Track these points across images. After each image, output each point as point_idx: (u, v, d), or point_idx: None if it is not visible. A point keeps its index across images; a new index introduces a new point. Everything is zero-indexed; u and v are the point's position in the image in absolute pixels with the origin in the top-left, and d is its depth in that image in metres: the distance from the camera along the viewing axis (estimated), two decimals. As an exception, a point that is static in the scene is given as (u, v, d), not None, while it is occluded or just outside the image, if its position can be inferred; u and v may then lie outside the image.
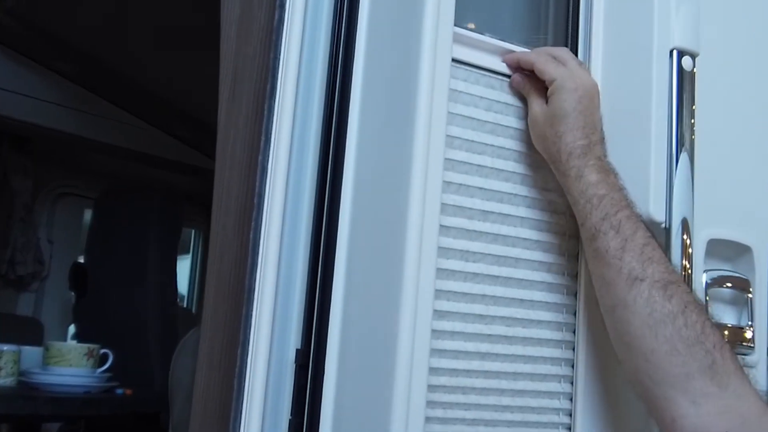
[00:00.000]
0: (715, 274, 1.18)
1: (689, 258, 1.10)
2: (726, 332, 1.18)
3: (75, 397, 2.64)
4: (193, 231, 4.89)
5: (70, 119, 3.85)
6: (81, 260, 4.17)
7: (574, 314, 1.15)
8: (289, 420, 0.97)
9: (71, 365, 2.62)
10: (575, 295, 1.14)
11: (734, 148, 1.23)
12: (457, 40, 1.08)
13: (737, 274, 1.20)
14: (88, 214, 4.33)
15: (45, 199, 4.35)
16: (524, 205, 1.13)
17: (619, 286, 1.00)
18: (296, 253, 1.00)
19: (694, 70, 1.12)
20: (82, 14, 3.00)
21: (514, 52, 1.15)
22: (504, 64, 1.15)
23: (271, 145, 1.02)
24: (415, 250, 0.97)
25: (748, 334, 1.19)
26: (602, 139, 1.10)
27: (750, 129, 1.26)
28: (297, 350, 0.98)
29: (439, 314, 1.05)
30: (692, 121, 1.11)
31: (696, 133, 1.12)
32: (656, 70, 1.12)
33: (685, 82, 1.12)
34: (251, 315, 0.99)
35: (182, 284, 4.70)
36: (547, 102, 1.11)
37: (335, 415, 0.94)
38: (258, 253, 1.00)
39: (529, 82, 1.13)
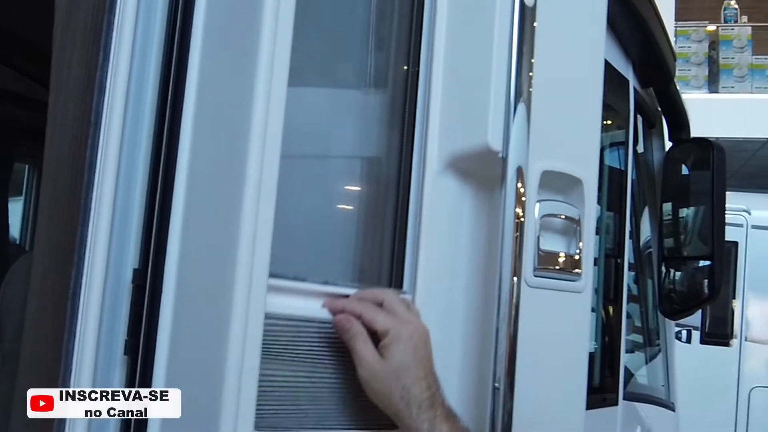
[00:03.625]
0: (548, 204, 1.23)
1: (524, 187, 1.14)
2: (560, 259, 1.24)
3: None
4: (27, 167, 4.65)
5: None
6: None
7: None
8: (125, 340, 0.95)
9: None
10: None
11: (569, 85, 1.27)
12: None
13: (568, 204, 1.26)
14: None
15: None
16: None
17: None
18: (135, 172, 0.97)
19: (535, 5, 1.15)
20: None
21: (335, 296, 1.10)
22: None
23: (110, 61, 0.99)
24: (256, 169, 0.94)
25: (577, 262, 1.25)
26: (438, 383, 1.09)
27: (577, 69, 1.30)
28: (134, 270, 0.96)
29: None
30: (531, 60, 1.14)
31: (534, 70, 1.15)
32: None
33: (526, 18, 1.14)
34: (87, 235, 0.97)
35: (15, 227, 4.48)
36: (380, 352, 1.07)
37: (172, 334, 0.93)
38: (95, 172, 0.97)
39: (354, 327, 1.07)
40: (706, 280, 2.54)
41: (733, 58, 8.76)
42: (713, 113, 7.80)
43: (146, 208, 0.97)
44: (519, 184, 1.12)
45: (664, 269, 2.63)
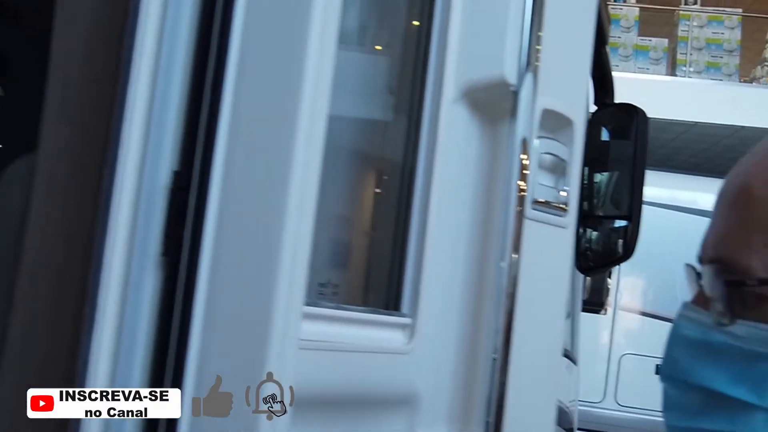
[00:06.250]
0: (543, 141, 1.27)
1: (531, 122, 1.18)
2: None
3: None
4: None
5: None
6: None
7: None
8: (163, 240, 0.91)
9: None
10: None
11: (567, 26, 1.31)
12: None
13: (559, 143, 1.30)
14: None
15: None
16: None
17: None
18: (176, 57, 0.93)
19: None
20: None
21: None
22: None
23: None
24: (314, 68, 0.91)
25: (564, 198, 1.30)
26: None
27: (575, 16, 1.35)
28: (175, 172, 0.93)
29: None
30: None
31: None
32: None
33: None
34: (121, 132, 0.92)
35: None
36: None
37: (216, 244, 0.89)
38: (131, 62, 0.92)
39: None
40: (620, 240, 2.65)
41: (619, 37, 9.07)
42: (598, 90, 8.05)
43: (190, 98, 0.93)
44: (527, 119, 1.17)
45: (581, 229, 2.72)
